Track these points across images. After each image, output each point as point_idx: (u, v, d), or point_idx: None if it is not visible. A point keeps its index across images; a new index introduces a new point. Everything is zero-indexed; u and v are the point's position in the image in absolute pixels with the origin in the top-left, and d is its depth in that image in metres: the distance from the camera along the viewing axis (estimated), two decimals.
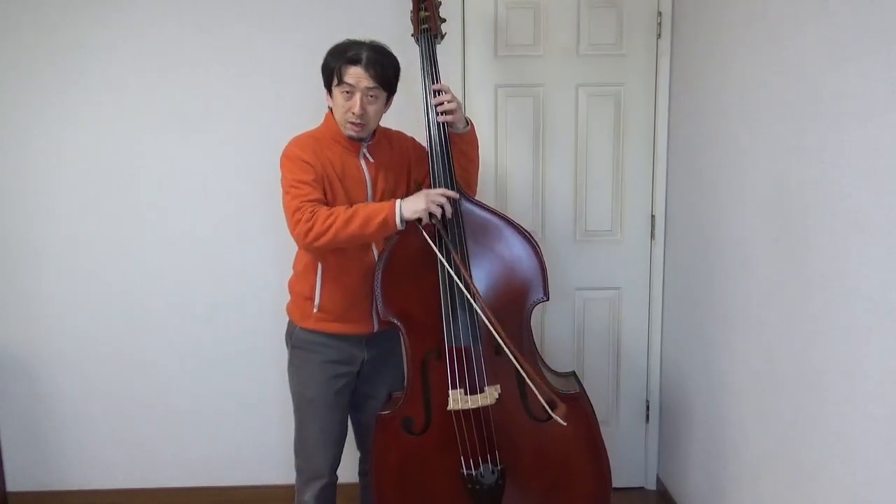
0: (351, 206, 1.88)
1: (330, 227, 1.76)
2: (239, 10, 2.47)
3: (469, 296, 1.84)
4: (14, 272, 2.59)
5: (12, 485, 2.72)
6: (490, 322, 1.77)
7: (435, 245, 1.83)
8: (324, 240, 1.77)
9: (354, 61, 1.81)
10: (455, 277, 1.83)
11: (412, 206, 1.78)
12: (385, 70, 1.84)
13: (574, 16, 2.48)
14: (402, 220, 1.78)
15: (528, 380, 1.79)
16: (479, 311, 1.84)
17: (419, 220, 1.80)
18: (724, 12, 2.03)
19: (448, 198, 1.82)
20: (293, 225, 1.81)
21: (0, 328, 2.63)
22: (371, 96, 1.84)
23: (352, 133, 1.87)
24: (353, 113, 1.83)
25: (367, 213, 1.78)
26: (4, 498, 2.70)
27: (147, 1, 2.46)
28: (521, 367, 1.78)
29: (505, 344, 1.76)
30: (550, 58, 2.50)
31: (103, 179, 2.54)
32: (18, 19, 2.45)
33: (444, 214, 1.82)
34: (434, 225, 1.83)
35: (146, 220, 2.57)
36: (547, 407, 1.77)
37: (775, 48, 1.71)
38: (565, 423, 1.75)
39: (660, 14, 2.48)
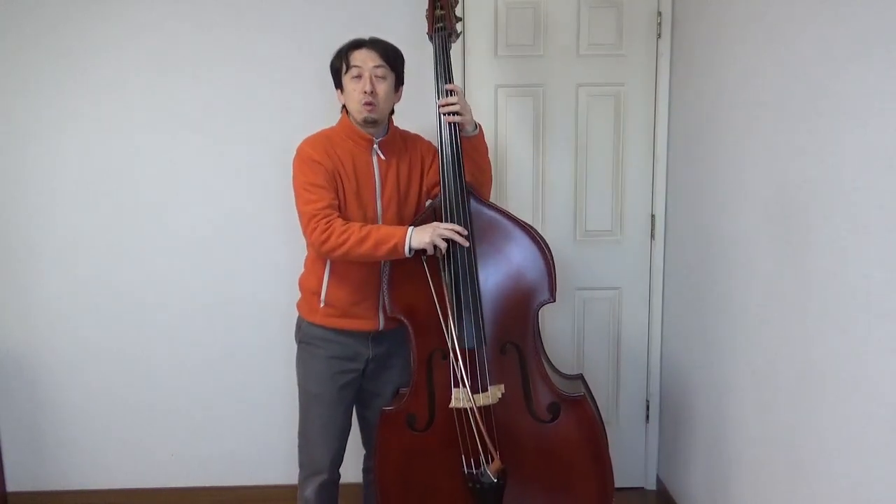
0: (361, 209, 1.91)
1: (344, 242, 1.81)
2: (239, 10, 2.47)
3: (448, 336, 1.86)
4: (14, 272, 2.59)
5: (12, 485, 2.71)
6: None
7: (430, 279, 1.87)
8: (337, 253, 1.83)
9: (358, 45, 1.91)
10: (441, 318, 1.86)
11: (419, 238, 1.81)
12: (389, 49, 1.92)
13: (574, 16, 2.48)
14: (410, 249, 1.82)
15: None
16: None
17: (424, 250, 1.82)
18: (724, 12, 2.03)
19: (457, 232, 1.82)
20: (309, 231, 1.85)
21: (0, 328, 2.63)
22: (378, 76, 1.88)
23: (366, 115, 1.88)
24: (365, 92, 1.86)
25: (378, 237, 1.81)
26: (4, 498, 2.69)
27: (147, 1, 2.46)
28: None
29: None
30: (550, 58, 2.51)
31: (103, 179, 2.54)
32: (18, 19, 2.45)
33: (451, 247, 1.84)
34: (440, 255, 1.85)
35: (146, 220, 2.57)
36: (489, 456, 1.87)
37: (775, 48, 1.71)
38: (494, 480, 1.86)
39: (660, 14, 2.48)
